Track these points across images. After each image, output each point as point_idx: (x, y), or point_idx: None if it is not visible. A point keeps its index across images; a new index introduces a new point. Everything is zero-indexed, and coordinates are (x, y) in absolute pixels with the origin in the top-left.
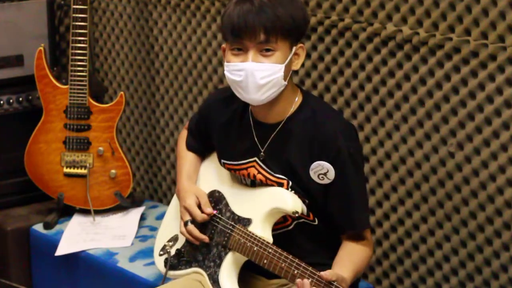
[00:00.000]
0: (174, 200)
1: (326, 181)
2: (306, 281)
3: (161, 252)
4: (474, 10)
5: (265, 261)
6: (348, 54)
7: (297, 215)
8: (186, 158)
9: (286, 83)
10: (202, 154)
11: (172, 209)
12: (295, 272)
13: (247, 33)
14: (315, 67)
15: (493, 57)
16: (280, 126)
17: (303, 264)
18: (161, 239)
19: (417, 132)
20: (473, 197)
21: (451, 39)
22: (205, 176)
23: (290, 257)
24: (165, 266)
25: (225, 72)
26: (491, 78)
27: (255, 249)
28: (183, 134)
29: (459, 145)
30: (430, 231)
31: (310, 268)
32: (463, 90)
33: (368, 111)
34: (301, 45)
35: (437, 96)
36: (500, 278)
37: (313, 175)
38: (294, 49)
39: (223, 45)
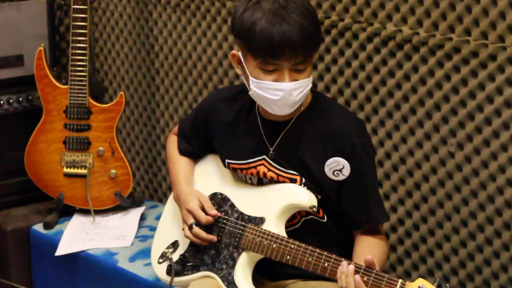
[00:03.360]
0: (168, 207)
1: (341, 177)
2: (352, 267)
3: (161, 260)
4: (474, 10)
5: (288, 257)
6: (348, 54)
7: (314, 209)
8: (180, 163)
9: None
10: (195, 157)
11: (167, 216)
12: (326, 264)
13: (287, 55)
14: (315, 67)
15: (493, 57)
16: (290, 124)
17: (333, 256)
18: (158, 246)
19: (417, 132)
20: (473, 197)
21: (451, 39)
22: (201, 180)
23: (318, 250)
24: (169, 273)
25: (253, 88)
26: (491, 78)
27: (274, 246)
28: (172, 139)
29: (459, 145)
30: (430, 231)
31: (343, 259)
32: (463, 90)
33: (368, 111)
34: None
35: (437, 96)
36: (500, 278)
37: (328, 171)
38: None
39: (234, 52)
